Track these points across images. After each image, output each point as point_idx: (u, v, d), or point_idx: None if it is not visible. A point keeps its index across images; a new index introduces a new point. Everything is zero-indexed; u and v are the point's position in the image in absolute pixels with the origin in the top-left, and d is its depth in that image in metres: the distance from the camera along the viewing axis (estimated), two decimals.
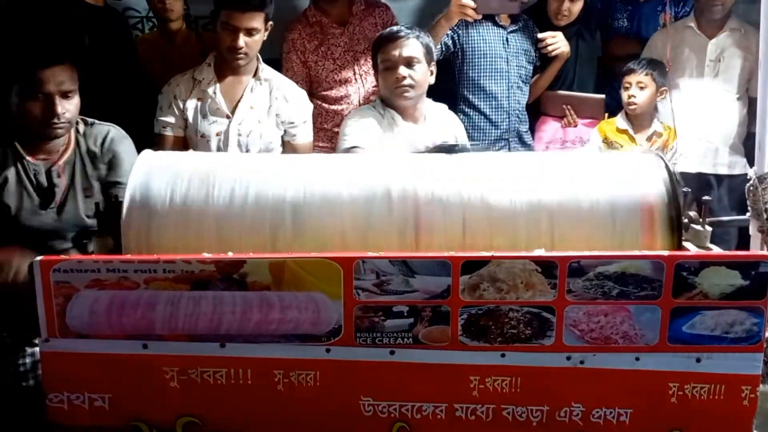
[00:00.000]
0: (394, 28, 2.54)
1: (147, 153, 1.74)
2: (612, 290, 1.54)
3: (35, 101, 2.07)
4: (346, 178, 1.68)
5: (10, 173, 2.15)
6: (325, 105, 3.09)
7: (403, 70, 2.49)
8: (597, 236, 1.63)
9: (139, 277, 1.52)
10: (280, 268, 1.52)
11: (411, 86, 2.51)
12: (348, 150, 2.47)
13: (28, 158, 2.17)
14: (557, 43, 3.25)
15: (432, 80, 2.59)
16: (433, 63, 2.58)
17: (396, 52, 2.51)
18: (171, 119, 2.77)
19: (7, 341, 2.15)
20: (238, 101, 2.76)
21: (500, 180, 1.69)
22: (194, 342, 1.55)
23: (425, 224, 1.63)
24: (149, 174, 1.68)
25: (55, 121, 2.09)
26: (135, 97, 2.99)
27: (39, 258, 1.52)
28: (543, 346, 1.56)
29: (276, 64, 3.02)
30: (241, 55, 2.67)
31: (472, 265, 1.52)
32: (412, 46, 2.52)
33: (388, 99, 2.57)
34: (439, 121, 2.62)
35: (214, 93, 2.75)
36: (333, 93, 3.10)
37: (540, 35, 3.24)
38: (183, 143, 2.79)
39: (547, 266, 1.53)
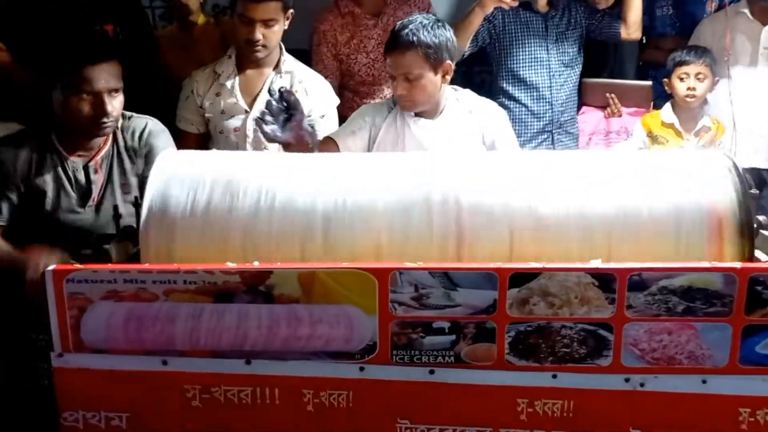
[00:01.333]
0: (398, 29, 2.22)
1: (165, 155, 1.63)
2: (677, 306, 1.39)
3: (84, 99, 2.00)
4: (381, 184, 1.55)
5: (48, 170, 2.07)
6: (357, 99, 2.96)
7: (401, 86, 2.23)
8: (658, 246, 1.48)
9: (158, 288, 1.40)
10: (310, 280, 1.39)
11: (411, 100, 2.26)
12: (351, 132, 2.30)
13: (66, 154, 2.09)
14: None
15: (448, 78, 2.29)
16: (448, 62, 2.26)
17: (395, 66, 2.23)
18: (190, 115, 2.67)
19: (42, 344, 2.06)
20: (257, 95, 2.63)
21: (550, 183, 1.54)
22: (217, 358, 1.43)
23: (468, 234, 1.49)
24: (168, 179, 1.56)
25: (105, 120, 2.03)
26: (158, 92, 2.88)
27: (51, 267, 1.41)
28: (599, 367, 1.41)
29: (305, 55, 2.89)
30: (259, 48, 2.54)
31: (521, 278, 1.38)
32: (409, 59, 2.19)
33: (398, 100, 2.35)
34: (460, 113, 2.35)
35: (232, 87, 2.62)
36: (365, 87, 2.96)
37: None
38: (204, 139, 2.69)
39: (604, 279, 1.38)
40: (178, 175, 1.57)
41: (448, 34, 2.27)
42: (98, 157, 2.10)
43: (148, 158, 2.11)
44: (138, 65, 2.83)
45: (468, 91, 2.43)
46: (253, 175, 1.56)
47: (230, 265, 1.41)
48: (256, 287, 1.40)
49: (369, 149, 2.29)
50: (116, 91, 2.03)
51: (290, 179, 1.56)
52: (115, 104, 2.03)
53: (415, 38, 2.20)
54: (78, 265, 1.41)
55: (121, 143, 2.13)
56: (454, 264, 1.43)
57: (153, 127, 2.17)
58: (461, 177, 1.56)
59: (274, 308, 1.41)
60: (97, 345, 1.43)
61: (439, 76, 2.28)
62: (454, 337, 1.41)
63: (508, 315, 1.40)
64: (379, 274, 1.38)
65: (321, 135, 2.64)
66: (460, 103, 2.38)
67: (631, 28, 3.19)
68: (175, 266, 1.41)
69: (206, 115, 2.65)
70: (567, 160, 1.71)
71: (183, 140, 2.65)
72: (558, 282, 1.38)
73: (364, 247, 1.48)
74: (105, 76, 1.99)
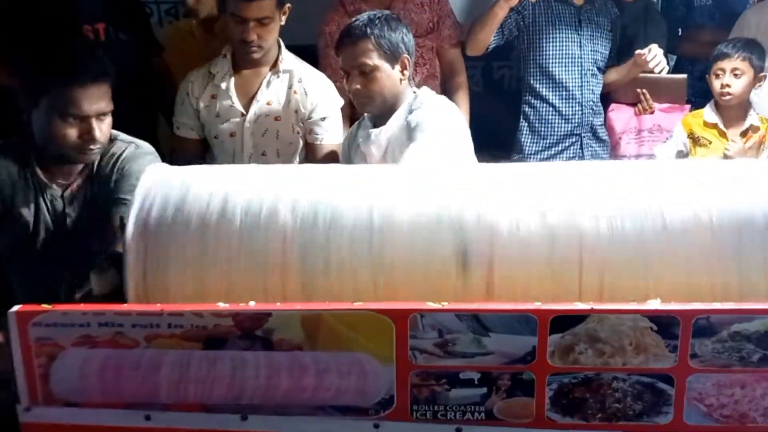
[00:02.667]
0: (349, 24, 2.10)
1: (150, 173, 1.42)
2: (752, 354, 1.17)
3: (69, 124, 1.78)
4: (398, 202, 1.34)
5: (28, 197, 1.87)
6: None
7: (356, 81, 2.09)
8: (725, 282, 1.25)
9: (138, 333, 1.20)
10: (315, 323, 1.19)
11: (368, 96, 2.10)
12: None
13: (44, 180, 1.88)
14: (657, 57, 2.73)
15: (406, 74, 2.12)
16: (405, 56, 2.10)
17: (348, 59, 2.09)
18: (188, 119, 2.48)
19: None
20: (253, 97, 2.42)
21: (596, 202, 1.32)
22: (209, 413, 1.23)
23: (501, 265, 1.27)
24: (155, 202, 1.36)
25: (92, 147, 1.82)
26: (158, 97, 2.70)
27: (14, 308, 1.21)
28: (657, 426, 1.20)
29: (309, 51, 2.67)
30: (255, 48, 2.34)
31: (565, 321, 1.17)
32: (363, 50, 2.07)
33: None
34: (401, 116, 2.13)
35: (228, 88, 2.42)
36: None
37: (637, 52, 2.76)
38: (201, 145, 2.49)
39: (664, 323, 1.16)
40: (165, 197, 1.36)
41: (403, 29, 2.13)
42: (74, 186, 1.88)
43: (117, 185, 1.87)
44: (134, 68, 2.65)
45: (424, 92, 2.18)
46: (252, 194, 1.35)
47: (222, 305, 1.20)
48: (252, 332, 1.19)
49: None
50: (106, 114, 1.82)
51: (292, 194, 1.35)
52: (103, 128, 1.82)
53: (367, 29, 2.06)
54: (45, 306, 1.21)
55: (96, 169, 1.90)
56: (485, 305, 1.21)
57: (131, 152, 1.91)
58: (495, 193, 1.34)
59: (273, 355, 1.20)
60: (69, 397, 1.23)
61: (397, 71, 2.07)
62: (485, 389, 1.20)
63: (549, 365, 1.18)
64: (397, 316, 1.17)
65: (327, 141, 2.45)
66: (409, 106, 2.14)
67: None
68: (158, 307, 1.21)
69: (201, 118, 2.46)
70: (617, 169, 1.48)
71: (183, 147, 2.46)
72: (609, 326, 1.17)
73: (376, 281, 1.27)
74: (96, 99, 1.78)
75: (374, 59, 2.07)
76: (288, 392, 1.21)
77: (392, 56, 2.09)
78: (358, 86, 2.08)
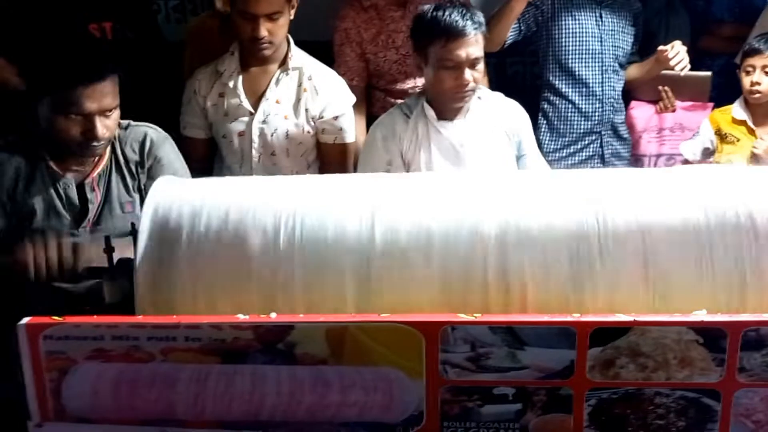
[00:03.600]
0: (458, 18, 2.02)
1: (161, 184, 1.37)
2: None
3: (72, 121, 1.77)
4: (425, 213, 1.27)
5: (37, 187, 1.84)
6: (390, 98, 2.65)
7: (468, 74, 2.04)
8: None
9: (154, 346, 1.14)
10: (340, 336, 1.12)
11: (472, 89, 2.09)
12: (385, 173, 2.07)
13: (57, 170, 1.85)
14: (679, 55, 2.62)
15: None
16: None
17: (462, 53, 2.02)
18: (195, 118, 2.41)
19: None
20: (262, 95, 2.36)
21: (635, 209, 1.25)
22: (227, 430, 1.17)
23: (536, 276, 1.21)
24: (170, 204, 1.30)
25: (95, 144, 1.80)
26: (165, 95, 2.63)
27: (24, 320, 1.15)
28: None
29: (320, 48, 2.60)
30: (265, 45, 2.27)
31: (606, 334, 1.10)
32: (479, 44, 2.06)
33: (438, 96, 2.12)
34: (486, 113, 2.16)
35: (235, 86, 2.35)
36: (398, 86, 2.66)
37: (659, 48, 2.66)
38: (209, 145, 2.43)
39: (711, 336, 1.09)
40: (179, 206, 1.30)
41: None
42: (95, 174, 1.85)
43: (152, 172, 1.87)
44: (140, 67, 2.59)
45: (488, 90, 2.23)
46: (270, 205, 1.29)
47: (242, 317, 1.14)
48: (273, 345, 1.13)
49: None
50: (111, 110, 1.79)
51: (314, 208, 1.28)
52: (109, 124, 1.80)
53: (479, 27, 2.06)
54: (56, 318, 1.16)
55: (121, 157, 1.88)
56: (521, 317, 1.14)
57: (155, 136, 1.93)
58: (529, 198, 1.28)
59: (296, 370, 1.14)
60: (81, 413, 1.18)
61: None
62: (520, 405, 1.14)
63: (588, 379, 1.12)
64: (427, 329, 1.11)
65: (337, 138, 2.38)
66: (484, 103, 2.17)
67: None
68: (175, 319, 1.15)
69: (209, 117, 2.40)
70: (654, 177, 1.41)
71: (190, 148, 2.40)
72: (652, 339, 1.10)
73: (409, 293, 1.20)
74: (98, 97, 1.75)
75: (482, 52, 2.08)
76: (311, 409, 1.15)
77: (483, 48, 2.10)
78: (470, 79, 2.05)
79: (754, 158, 2.67)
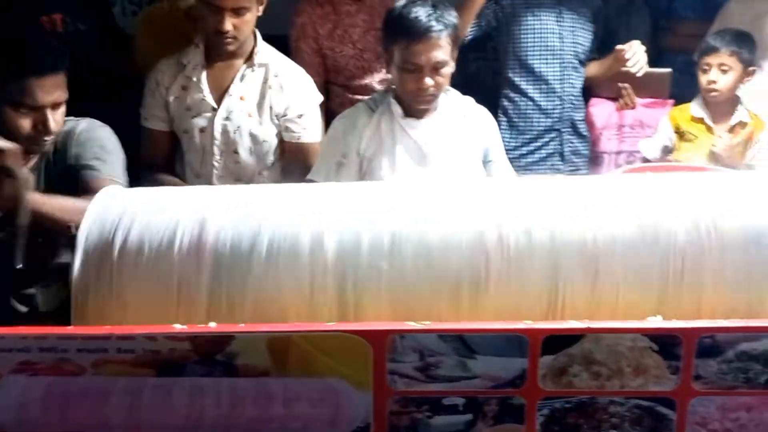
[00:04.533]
0: (422, 19, 1.91)
1: (103, 194, 1.31)
2: (759, 376, 1.08)
3: (23, 114, 1.73)
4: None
5: None
6: (349, 95, 2.59)
7: (428, 80, 1.95)
8: (734, 296, 1.16)
9: (84, 358, 1.08)
10: (284, 347, 1.07)
11: (435, 94, 2.00)
12: (337, 164, 2.03)
13: None
14: (636, 55, 2.60)
15: (453, 68, 2.04)
16: (456, 51, 2.03)
17: (423, 57, 1.92)
18: (158, 110, 2.33)
19: None
20: (225, 91, 2.29)
21: (598, 214, 1.22)
22: None
23: (493, 279, 1.17)
24: (107, 223, 1.24)
25: (46, 138, 1.77)
26: (123, 86, 2.54)
27: None
28: None
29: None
30: (229, 39, 2.20)
31: (559, 342, 1.06)
32: (441, 46, 1.94)
33: (402, 96, 2.05)
34: (454, 114, 2.09)
35: (199, 80, 2.28)
36: (357, 82, 2.60)
37: (617, 47, 2.64)
38: (172, 138, 2.35)
39: (666, 342, 1.06)
40: (122, 212, 1.24)
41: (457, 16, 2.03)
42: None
43: (79, 154, 1.83)
44: (93, 59, 2.51)
45: (457, 93, 2.14)
46: (226, 212, 1.24)
47: (178, 327, 1.08)
48: (212, 356, 1.07)
49: (361, 168, 2.01)
50: (61, 104, 1.76)
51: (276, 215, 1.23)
52: (58, 118, 1.76)
53: (444, 28, 1.96)
54: None
55: (51, 152, 1.83)
56: (472, 324, 1.10)
57: (84, 126, 1.87)
58: (492, 200, 1.23)
59: (237, 382, 1.08)
60: (8, 429, 1.11)
61: (453, 66, 2.01)
62: (470, 416, 1.09)
63: (540, 388, 1.08)
64: (374, 338, 1.06)
65: (301, 137, 2.32)
66: (453, 105, 2.10)
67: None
68: (107, 330, 1.08)
69: (170, 111, 2.32)
70: (622, 184, 1.39)
71: (153, 141, 2.33)
72: (606, 347, 1.07)
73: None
74: (51, 90, 1.72)
75: (448, 55, 1.96)
76: (253, 423, 1.10)
77: (455, 52, 2.00)
78: (431, 84, 1.95)
79: (712, 156, 2.68)
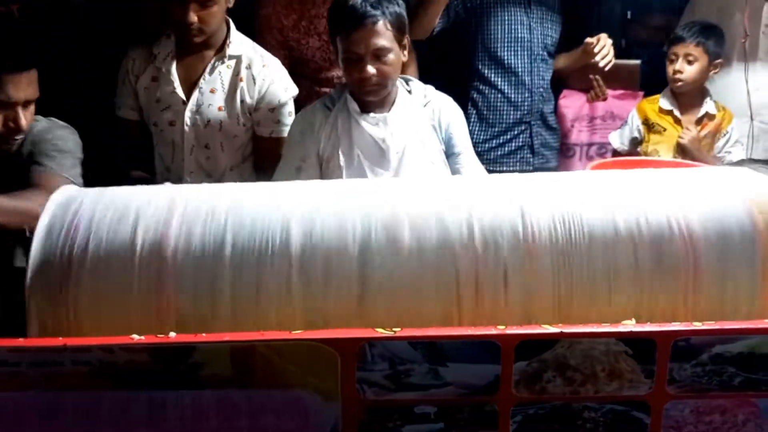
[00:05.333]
0: (358, 7, 1.86)
1: (58, 196, 1.25)
2: (734, 378, 1.06)
3: None
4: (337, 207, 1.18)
5: None
6: (317, 87, 2.53)
7: (370, 68, 1.88)
8: (706, 296, 1.14)
9: (37, 372, 1.02)
10: (248, 356, 1.03)
11: (379, 83, 1.93)
12: (296, 169, 1.96)
13: None
14: (605, 49, 2.59)
15: (405, 57, 1.99)
16: (407, 36, 1.97)
17: (361, 45, 1.87)
18: (127, 98, 2.28)
19: None
20: (195, 83, 2.22)
21: (571, 213, 1.19)
22: None
23: (467, 281, 1.13)
24: (62, 225, 1.18)
25: (16, 137, 1.76)
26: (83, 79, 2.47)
27: None
28: None
29: None
30: (194, 32, 2.13)
31: (532, 347, 1.04)
32: (380, 32, 1.87)
33: (353, 89, 2.00)
34: (414, 106, 2.03)
35: (169, 72, 2.21)
36: (324, 74, 2.54)
37: (587, 40, 2.62)
38: (145, 129, 2.28)
39: (640, 346, 1.04)
40: (79, 214, 1.18)
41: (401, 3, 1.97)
42: None
43: (33, 152, 1.80)
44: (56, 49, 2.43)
45: (419, 83, 2.09)
46: (194, 206, 1.19)
47: (136, 338, 1.03)
48: (173, 367, 1.03)
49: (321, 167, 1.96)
50: (32, 102, 1.75)
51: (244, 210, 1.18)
52: (28, 116, 1.75)
53: (379, 11, 1.87)
54: None
55: (11, 154, 1.76)
56: (441, 330, 1.06)
57: (43, 125, 1.85)
58: (461, 193, 1.20)
59: (200, 394, 1.04)
60: None
61: (401, 53, 1.95)
62: (442, 425, 1.06)
63: (514, 395, 1.05)
64: (342, 346, 1.02)
65: (273, 132, 2.26)
66: (412, 95, 2.04)
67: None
68: (60, 342, 1.03)
69: (141, 102, 2.25)
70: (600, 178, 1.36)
71: (125, 130, 2.25)
72: (580, 351, 1.04)
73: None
74: (25, 86, 1.71)
75: (390, 41, 1.90)
76: None
77: (401, 35, 1.94)
78: (373, 72, 1.89)
79: (680, 148, 2.69)
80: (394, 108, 2.00)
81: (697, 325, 1.05)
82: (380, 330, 1.04)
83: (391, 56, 1.91)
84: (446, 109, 2.08)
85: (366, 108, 1.98)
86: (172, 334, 1.04)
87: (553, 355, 1.04)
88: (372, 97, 1.96)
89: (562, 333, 1.04)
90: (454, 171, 2.03)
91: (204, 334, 1.04)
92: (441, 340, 1.03)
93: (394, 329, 1.04)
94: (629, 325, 1.06)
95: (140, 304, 1.14)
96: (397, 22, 1.92)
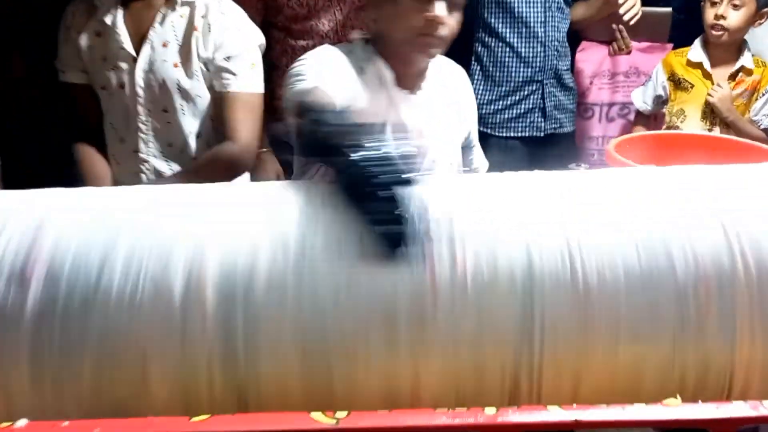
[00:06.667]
0: None
1: None
2: None
3: None
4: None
5: None
6: (291, 40, 2.19)
7: (440, 8, 1.45)
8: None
9: None
10: None
11: (443, 41, 1.51)
12: (304, 92, 1.47)
13: None
14: (630, 2, 2.28)
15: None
16: None
17: None
18: (71, 60, 1.93)
19: None
20: (144, 36, 1.88)
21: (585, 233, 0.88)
22: None
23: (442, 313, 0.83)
24: None
25: None
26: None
27: None
28: None
29: None
30: None
31: None
32: None
33: (392, 49, 1.55)
34: (440, 87, 1.63)
35: (114, 24, 1.87)
36: (298, 25, 2.19)
37: None
38: (92, 93, 1.96)
39: None
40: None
41: None
42: None
43: None
44: None
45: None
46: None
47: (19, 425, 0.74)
48: None
49: None
50: None
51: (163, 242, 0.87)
52: None
53: None
54: None
55: None
56: (411, 418, 0.76)
57: None
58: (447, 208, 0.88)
59: None
60: None
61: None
62: None
63: None
64: None
65: (239, 89, 1.90)
66: (438, 74, 1.64)
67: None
68: None
69: (85, 62, 1.92)
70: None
71: (73, 96, 1.93)
72: None
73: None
74: None
75: None
76: None
77: None
78: (443, 19, 1.45)
79: (708, 108, 2.34)
80: (425, 85, 1.60)
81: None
82: (318, 415, 0.74)
83: (458, 14, 1.51)
84: (463, 89, 1.70)
85: (399, 82, 1.57)
86: (22, 423, 0.75)
87: None
88: (425, 58, 1.54)
89: (578, 422, 0.74)
90: (465, 164, 1.69)
91: (66, 423, 0.75)
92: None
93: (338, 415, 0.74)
94: (673, 409, 0.76)
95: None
96: None
